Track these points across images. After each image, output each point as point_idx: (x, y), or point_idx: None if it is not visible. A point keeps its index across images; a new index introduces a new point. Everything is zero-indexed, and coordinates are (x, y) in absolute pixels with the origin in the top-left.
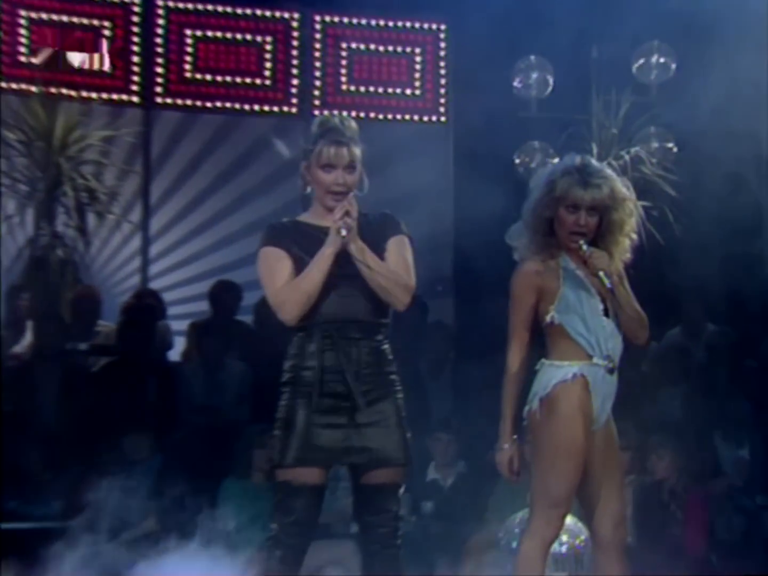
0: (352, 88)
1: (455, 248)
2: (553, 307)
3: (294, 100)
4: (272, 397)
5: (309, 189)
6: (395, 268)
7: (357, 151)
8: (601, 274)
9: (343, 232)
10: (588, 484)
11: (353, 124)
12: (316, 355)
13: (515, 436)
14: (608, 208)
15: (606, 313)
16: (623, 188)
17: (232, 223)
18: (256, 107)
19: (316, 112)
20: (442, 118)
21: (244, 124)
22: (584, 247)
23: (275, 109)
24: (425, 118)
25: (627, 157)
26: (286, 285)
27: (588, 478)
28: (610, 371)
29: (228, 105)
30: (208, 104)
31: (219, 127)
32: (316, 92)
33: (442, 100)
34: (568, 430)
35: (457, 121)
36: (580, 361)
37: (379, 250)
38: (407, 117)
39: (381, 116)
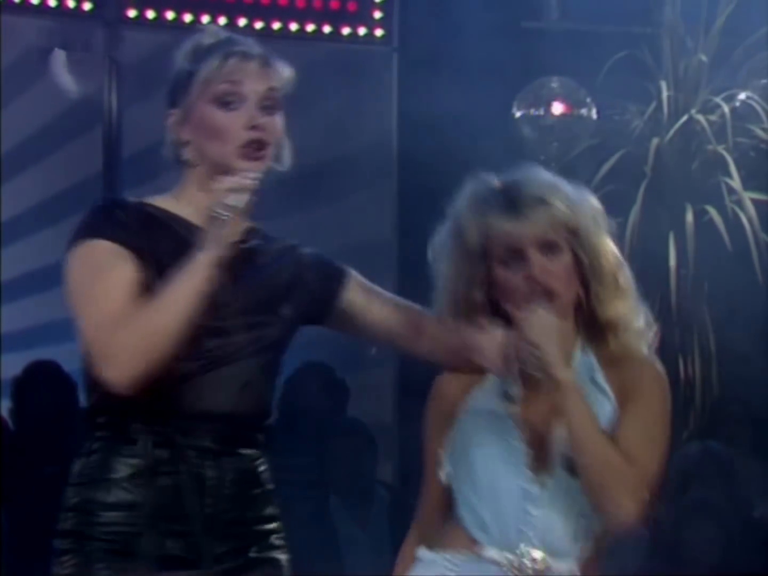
0: None
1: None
2: (444, 454)
3: None
4: None
5: (184, 154)
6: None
7: (284, 76)
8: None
9: (224, 214)
10: None
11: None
12: (140, 481)
13: None
14: (577, 239)
15: (537, 467)
16: (590, 198)
17: None
18: None
19: (132, 14)
20: (379, 32)
21: None
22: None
23: (51, 2)
24: (346, 31)
25: (726, 108)
26: (125, 311)
27: None
28: None
29: None
30: None
31: None
32: None
33: None
34: None
35: (408, 38)
36: (461, 553)
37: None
38: (311, 28)
39: (276, 26)
